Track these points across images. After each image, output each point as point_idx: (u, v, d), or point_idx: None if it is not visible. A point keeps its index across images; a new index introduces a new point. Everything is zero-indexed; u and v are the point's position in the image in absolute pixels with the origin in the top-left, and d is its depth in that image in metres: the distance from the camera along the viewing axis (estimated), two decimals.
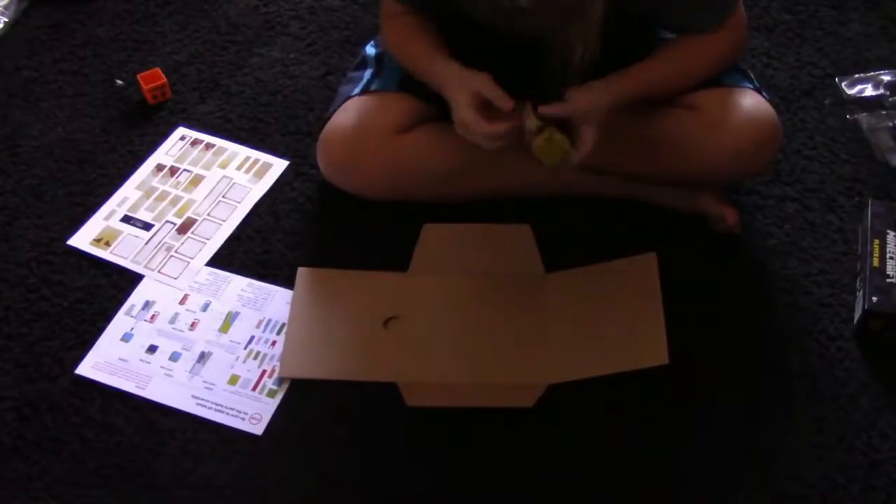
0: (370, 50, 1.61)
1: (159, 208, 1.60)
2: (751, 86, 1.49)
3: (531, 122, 1.35)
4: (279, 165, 1.66)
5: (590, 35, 1.31)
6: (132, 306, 1.47)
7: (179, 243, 1.54)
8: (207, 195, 1.62)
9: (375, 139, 1.49)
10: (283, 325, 1.43)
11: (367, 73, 1.57)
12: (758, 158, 1.47)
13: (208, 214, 1.59)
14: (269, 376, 1.38)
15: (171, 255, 1.53)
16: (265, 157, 1.67)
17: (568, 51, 1.34)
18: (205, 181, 1.64)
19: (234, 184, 1.63)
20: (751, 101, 1.45)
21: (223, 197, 1.61)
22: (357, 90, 1.54)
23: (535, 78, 1.37)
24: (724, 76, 1.48)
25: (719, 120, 1.44)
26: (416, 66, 1.47)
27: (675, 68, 1.44)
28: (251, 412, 1.34)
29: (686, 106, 1.45)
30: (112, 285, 1.49)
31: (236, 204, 1.60)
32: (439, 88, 1.42)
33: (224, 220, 1.58)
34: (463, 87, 1.37)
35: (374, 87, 1.54)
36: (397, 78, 1.53)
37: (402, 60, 1.50)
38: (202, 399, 1.36)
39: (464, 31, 1.38)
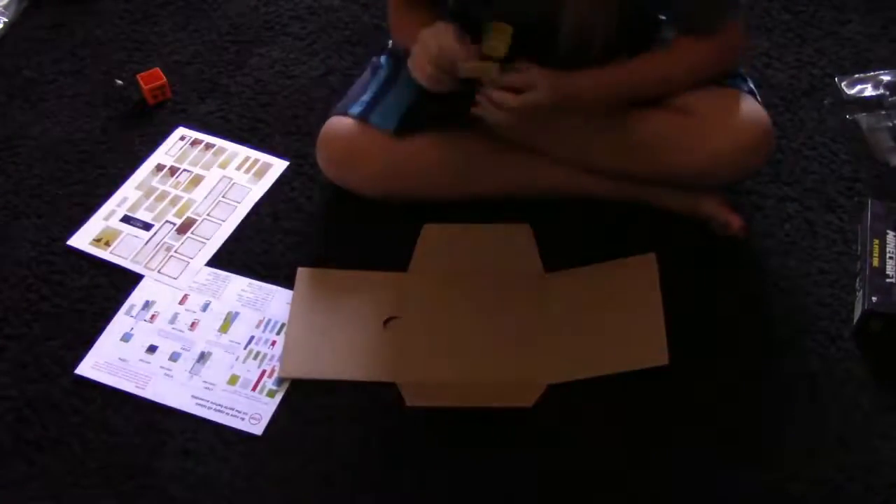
0: (383, 60, 1.59)
1: (159, 208, 1.60)
2: (745, 87, 1.49)
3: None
4: (279, 165, 1.66)
5: (602, 19, 1.34)
6: (132, 306, 1.47)
7: (179, 243, 1.54)
8: (207, 195, 1.62)
9: (376, 137, 1.49)
10: (283, 325, 1.43)
11: (371, 89, 1.55)
12: (750, 161, 1.47)
13: (208, 214, 1.59)
14: (269, 376, 1.38)
15: (171, 255, 1.53)
16: (265, 157, 1.67)
17: (582, 34, 1.36)
18: (205, 181, 1.64)
19: (233, 184, 1.63)
20: (743, 104, 1.45)
21: (223, 197, 1.61)
22: (357, 109, 1.52)
23: (548, 62, 1.38)
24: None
25: (712, 123, 1.43)
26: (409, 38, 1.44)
27: (655, 71, 1.43)
28: (251, 412, 1.34)
29: (679, 108, 1.45)
30: (112, 285, 1.49)
31: (236, 204, 1.60)
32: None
33: (224, 220, 1.58)
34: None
35: (373, 119, 1.51)
36: (397, 115, 1.51)
37: (405, 41, 1.46)
38: (202, 399, 1.36)
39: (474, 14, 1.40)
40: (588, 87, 1.40)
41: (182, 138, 1.71)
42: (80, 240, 1.55)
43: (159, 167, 1.66)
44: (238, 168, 1.66)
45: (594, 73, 1.40)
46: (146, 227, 1.57)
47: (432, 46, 1.35)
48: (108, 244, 1.55)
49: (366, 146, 1.50)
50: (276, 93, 1.78)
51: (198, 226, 1.57)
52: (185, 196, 1.62)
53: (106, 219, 1.58)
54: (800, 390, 1.36)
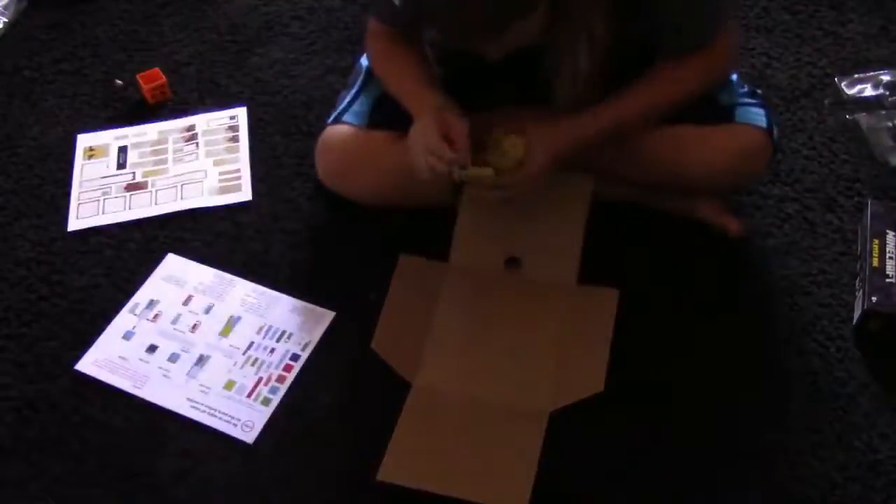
0: (363, 62, 1.58)
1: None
2: (763, 124, 1.46)
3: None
4: None
5: (583, 56, 1.28)
6: (136, 304, 1.47)
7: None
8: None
9: (373, 145, 1.49)
10: (283, 332, 1.43)
11: (348, 96, 1.55)
12: (748, 170, 1.48)
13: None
14: (265, 384, 1.37)
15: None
16: None
17: (563, 70, 1.31)
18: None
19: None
20: (742, 114, 1.45)
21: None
22: (331, 118, 1.54)
23: (536, 92, 1.35)
24: (722, 94, 1.47)
25: (709, 135, 1.43)
26: (398, 86, 1.44)
27: (646, 101, 1.38)
28: (244, 419, 1.34)
29: (678, 120, 1.44)
30: (112, 285, 1.49)
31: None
32: (412, 107, 1.39)
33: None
34: (437, 114, 1.34)
35: (346, 118, 1.52)
36: (368, 111, 1.51)
37: (384, 76, 1.47)
38: (196, 402, 1.36)
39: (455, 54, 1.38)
40: (584, 138, 1.37)
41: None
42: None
43: None
44: None
45: (587, 122, 1.36)
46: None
47: (421, 154, 1.33)
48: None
49: (364, 154, 1.49)
50: (276, 93, 1.78)
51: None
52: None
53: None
54: (800, 390, 1.36)
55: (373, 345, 1.38)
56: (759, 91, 1.53)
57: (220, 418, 1.34)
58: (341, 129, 1.51)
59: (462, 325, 1.43)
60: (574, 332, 1.40)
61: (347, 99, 1.55)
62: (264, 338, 1.43)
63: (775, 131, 1.48)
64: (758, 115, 1.46)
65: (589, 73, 1.30)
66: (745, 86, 1.51)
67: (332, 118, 1.54)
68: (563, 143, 1.37)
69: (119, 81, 1.79)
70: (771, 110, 1.50)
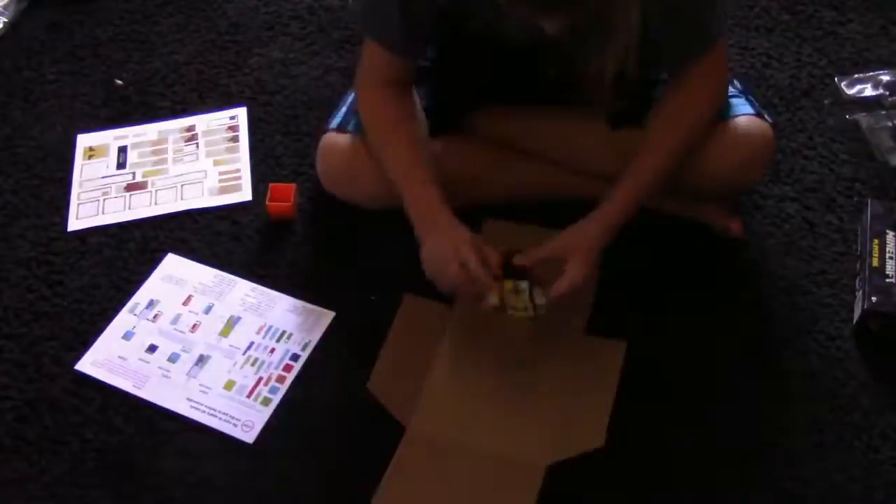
0: None
1: None
2: (751, 109, 1.47)
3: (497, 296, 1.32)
4: None
5: (621, 52, 1.24)
6: (136, 304, 1.47)
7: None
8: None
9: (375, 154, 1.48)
10: (283, 332, 1.43)
11: (346, 105, 1.54)
12: (750, 173, 1.48)
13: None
14: (265, 384, 1.37)
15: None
16: None
17: (597, 67, 1.27)
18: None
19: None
20: (746, 119, 1.45)
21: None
22: (335, 122, 1.53)
23: (557, 95, 1.34)
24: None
25: (714, 137, 1.43)
26: (397, 177, 1.40)
27: (662, 161, 1.37)
28: (244, 419, 1.34)
29: None
30: (112, 285, 1.49)
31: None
32: (415, 217, 1.37)
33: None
34: (456, 237, 1.33)
35: (350, 128, 1.50)
36: None
37: (380, 155, 1.42)
38: (196, 402, 1.36)
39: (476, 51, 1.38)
40: (616, 225, 1.36)
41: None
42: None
43: None
44: None
45: (609, 209, 1.35)
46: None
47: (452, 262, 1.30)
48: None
49: (365, 159, 1.48)
50: (275, 93, 1.78)
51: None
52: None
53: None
54: (800, 390, 1.36)
55: (369, 385, 1.35)
56: (735, 81, 1.52)
57: (220, 418, 1.34)
58: (343, 136, 1.51)
59: (462, 371, 1.38)
60: (578, 383, 1.35)
61: (347, 104, 1.54)
62: (264, 338, 1.43)
63: (766, 114, 1.48)
64: (742, 105, 1.46)
65: (624, 64, 1.26)
66: None
67: (335, 124, 1.53)
68: (600, 239, 1.35)
69: (119, 81, 1.79)
70: (748, 97, 1.49)
